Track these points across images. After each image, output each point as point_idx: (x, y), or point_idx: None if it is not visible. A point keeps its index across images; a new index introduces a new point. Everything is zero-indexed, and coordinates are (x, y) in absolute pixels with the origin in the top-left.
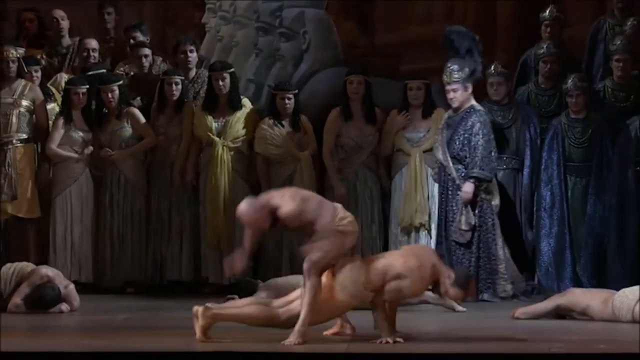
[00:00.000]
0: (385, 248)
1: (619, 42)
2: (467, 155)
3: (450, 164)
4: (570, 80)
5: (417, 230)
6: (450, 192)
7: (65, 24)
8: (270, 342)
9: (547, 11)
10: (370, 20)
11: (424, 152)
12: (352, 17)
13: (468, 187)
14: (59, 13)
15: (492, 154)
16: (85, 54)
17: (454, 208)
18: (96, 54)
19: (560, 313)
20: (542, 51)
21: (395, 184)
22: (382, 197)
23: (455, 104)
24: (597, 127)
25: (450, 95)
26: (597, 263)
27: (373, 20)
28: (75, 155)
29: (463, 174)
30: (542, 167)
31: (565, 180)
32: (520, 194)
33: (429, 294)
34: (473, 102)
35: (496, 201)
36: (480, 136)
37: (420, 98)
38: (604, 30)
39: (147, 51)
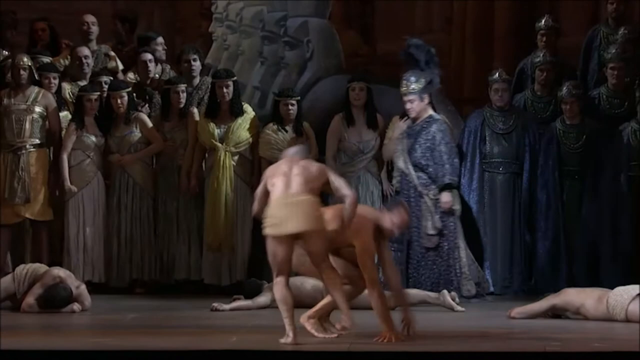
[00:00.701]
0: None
1: (613, 51)
2: (429, 164)
3: (412, 172)
4: (565, 88)
5: None
6: (412, 200)
7: (95, 29)
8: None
9: (543, 21)
10: (371, 29)
11: None
12: (354, 26)
13: (447, 197)
14: (90, 18)
15: (456, 160)
16: (78, 62)
17: (418, 214)
18: (89, 61)
19: (556, 312)
20: (538, 59)
21: (397, 188)
22: (383, 200)
23: (412, 114)
24: (591, 133)
25: (408, 105)
26: (591, 264)
27: (374, 29)
28: (68, 184)
29: (424, 182)
30: (539, 171)
31: (561, 184)
32: (519, 197)
33: (429, 294)
34: (431, 111)
35: (457, 206)
36: (443, 145)
37: None
38: (598, 39)
39: (150, 56)
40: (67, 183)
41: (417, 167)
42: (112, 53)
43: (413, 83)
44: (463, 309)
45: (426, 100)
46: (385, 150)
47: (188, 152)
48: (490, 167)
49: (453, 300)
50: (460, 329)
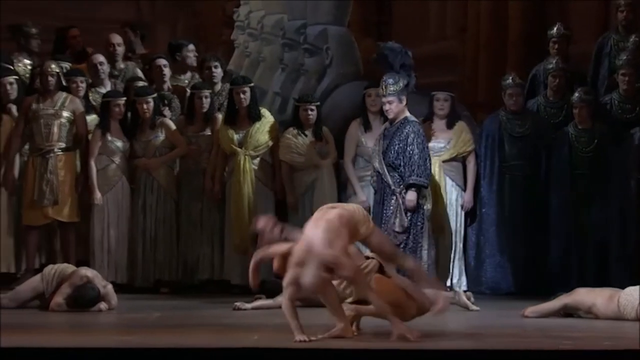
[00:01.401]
0: None
1: (624, 58)
2: (402, 164)
3: (386, 172)
4: (576, 93)
5: (435, 234)
6: (385, 197)
7: (120, 49)
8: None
9: (555, 29)
10: (388, 37)
11: (443, 162)
12: (372, 34)
13: (411, 196)
14: (117, 39)
15: (427, 161)
16: (93, 68)
17: (389, 212)
18: (105, 68)
19: (568, 312)
20: (550, 66)
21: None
22: None
23: (390, 115)
24: (602, 137)
25: (386, 107)
26: (602, 266)
27: (391, 37)
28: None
29: (398, 181)
30: (552, 174)
31: (573, 187)
32: (534, 198)
33: (445, 293)
34: (407, 113)
35: (428, 205)
36: (415, 146)
37: (445, 109)
38: (609, 46)
39: (164, 62)
40: (97, 192)
41: (391, 167)
42: (139, 73)
43: (391, 85)
44: (478, 308)
45: (404, 102)
46: None
47: (212, 157)
48: (508, 169)
49: (468, 299)
50: (475, 327)
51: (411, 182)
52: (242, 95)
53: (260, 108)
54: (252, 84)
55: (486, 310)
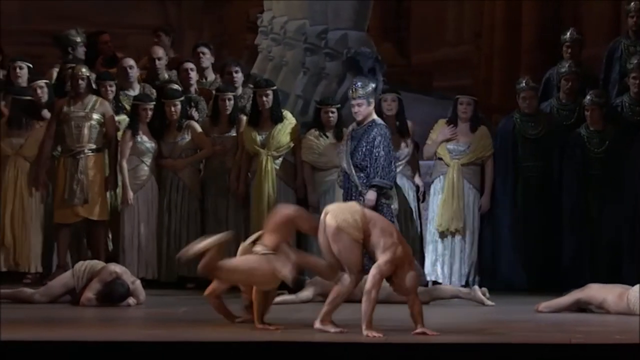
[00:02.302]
0: (422, 247)
1: (635, 62)
2: (369, 165)
3: (354, 172)
4: (588, 96)
5: (453, 235)
6: (353, 197)
7: (133, 72)
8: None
9: (568, 33)
10: (406, 42)
11: (462, 165)
12: (390, 39)
13: (371, 195)
14: (129, 62)
15: (392, 164)
16: (123, 72)
17: None
18: (133, 72)
19: (580, 307)
20: (563, 70)
21: (435, 189)
22: (418, 200)
23: (359, 117)
24: (613, 139)
25: (355, 109)
26: (613, 264)
27: (409, 41)
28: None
29: (364, 181)
30: (565, 174)
31: (585, 187)
32: (548, 198)
33: (461, 289)
34: (374, 116)
35: (395, 205)
36: (381, 148)
37: (468, 112)
38: (620, 50)
39: (191, 65)
40: (129, 192)
41: (358, 167)
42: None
43: (360, 88)
44: (493, 303)
45: (372, 105)
46: (425, 150)
47: (237, 157)
48: (522, 170)
49: (483, 295)
50: (490, 321)
51: (374, 183)
52: (264, 98)
53: (282, 110)
54: (274, 87)
55: (501, 305)
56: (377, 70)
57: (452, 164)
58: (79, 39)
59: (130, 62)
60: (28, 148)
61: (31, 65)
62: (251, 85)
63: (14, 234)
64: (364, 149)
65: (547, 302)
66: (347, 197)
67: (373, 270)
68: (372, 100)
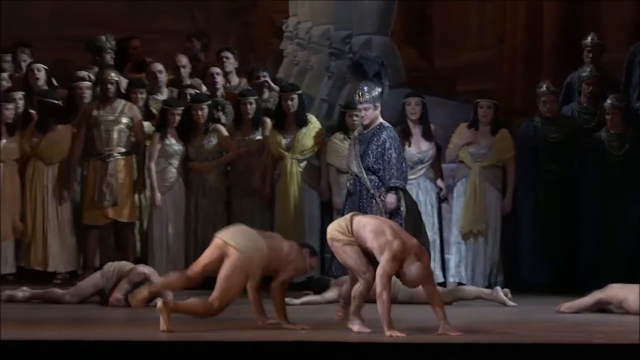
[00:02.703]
0: (442, 248)
1: None
2: (381, 168)
3: (365, 175)
4: (608, 100)
5: (475, 236)
6: (365, 200)
7: (162, 76)
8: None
9: (589, 38)
10: (429, 46)
11: (484, 167)
12: (414, 43)
13: (391, 198)
14: (157, 67)
15: (403, 165)
16: (152, 76)
17: (369, 213)
18: (162, 76)
19: (601, 307)
20: (584, 74)
21: (457, 192)
22: (440, 201)
23: (365, 122)
24: (633, 142)
25: (362, 113)
26: (632, 266)
27: (432, 46)
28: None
29: (376, 184)
30: (585, 177)
31: (605, 189)
32: (567, 200)
33: (483, 290)
34: (381, 119)
35: (403, 207)
36: (393, 150)
37: (489, 116)
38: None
39: (218, 70)
40: (157, 193)
41: (370, 170)
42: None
43: (367, 93)
44: (515, 304)
45: (379, 109)
46: (447, 154)
47: (262, 159)
48: (543, 172)
49: (505, 296)
50: (512, 322)
51: (392, 185)
52: (290, 102)
53: (307, 114)
54: (299, 91)
55: (522, 306)
56: (382, 75)
57: (474, 167)
58: (109, 45)
59: (160, 66)
60: (44, 149)
61: (47, 68)
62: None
63: (35, 234)
64: (375, 152)
65: (568, 302)
66: (359, 200)
67: (378, 272)
68: (378, 105)
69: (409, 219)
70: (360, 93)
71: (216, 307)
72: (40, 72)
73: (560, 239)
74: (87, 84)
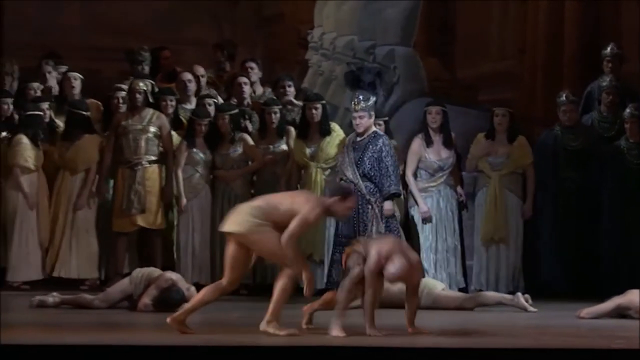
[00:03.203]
0: (464, 255)
1: None
2: (378, 175)
3: (360, 182)
4: (628, 109)
5: (497, 243)
6: (360, 206)
7: (192, 85)
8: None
9: (609, 49)
10: (451, 57)
11: (503, 175)
12: (436, 54)
13: (389, 205)
14: (187, 76)
15: (398, 171)
16: (182, 85)
17: (365, 219)
18: (192, 85)
19: (621, 312)
20: (604, 84)
21: (478, 200)
22: (460, 208)
23: (360, 129)
24: None
25: (357, 121)
26: None
27: (454, 56)
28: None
29: (372, 190)
30: (605, 184)
31: (624, 196)
32: (587, 207)
33: (504, 296)
34: (374, 127)
35: (397, 212)
36: (389, 158)
37: (504, 124)
38: None
39: (245, 79)
40: (184, 200)
41: (365, 177)
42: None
43: (362, 101)
44: (535, 309)
45: (373, 118)
46: (467, 164)
47: (287, 167)
48: (563, 180)
49: (526, 301)
50: (532, 327)
51: (392, 191)
52: (314, 111)
53: (331, 123)
54: (323, 101)
55: (543, 311)
56: (377, 85)
57: (493, 176)
58: (145, 56)
59: (189, 76)
60: (70, 158)
61: (83, 78)
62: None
63: (64, 242)
64: (371, 159)
65: (588, 308)
66: (360, 205)
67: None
68: (372, 113)
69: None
70: (356, 101)
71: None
72: (77, 80)
73: (581, 245)
74: (124, 93)
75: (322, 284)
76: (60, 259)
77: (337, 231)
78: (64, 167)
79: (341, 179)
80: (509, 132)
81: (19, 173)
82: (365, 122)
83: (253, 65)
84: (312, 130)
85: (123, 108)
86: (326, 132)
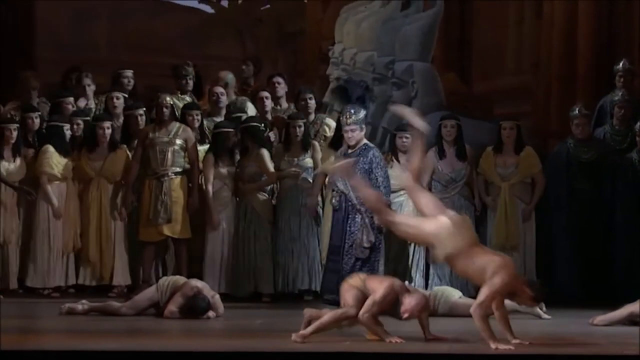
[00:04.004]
0: None
1: None
2: (370, 185)
3: (351, 192)
4: (639, 123)
5: (509, 251)
6: (349, 215)
7: (224, 99)
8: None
9: (621, 64)
10: (468, 71)
11: (513, 184)
12: (454, 68)
13: None
14: (219, 90)
15: (388, 181)
16: (214, 97)
17: (354, 229)
18: (224, 99)
19: (633, 319)
20: (617, 98)
21: (490, 211)
22: (476, 218)
23: (352, 142)
24: None
25: (349, 134)
26: None
27: (471, 71)
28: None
29: (361, 200)
30: (618, 195)
31: (637, 207)
32: (599, 217)
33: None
34: (365, 140)
35: None
36: (379, 170)
37: (512, 136)
38: None
39: (266, 94)
40: (216, 216)
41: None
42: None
43: (354, 115)
44: (549, 316)
45: (364, 130)
46: (479, 178)
47: (313, 176)
48: (576, 191)
49: (540, 309)
50: (547, 334)
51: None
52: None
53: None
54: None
55: (557, 318)
56: (365, 99)
57: (503, 186)
58: (189, 71)
59: (221, 89)
60: (108, 170)
61: (127, 95)
62: (321, 113)
63: (100, 250)
64: (361, 171)
65: (601, 315)
66: (343, 217)
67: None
68: (363, 126)
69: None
70: (347, 115)
71: None
72: (119, 99)
73: (594, 254)
74: (141, 111)
75: None
76: (98, 267)
77: (331, 240)
78: (101, 177)
79: (333, 190)
80: (516, 143)
81: (45, 181)
82: (357, 135)
83: (280, 80)
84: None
85: (141, 124)
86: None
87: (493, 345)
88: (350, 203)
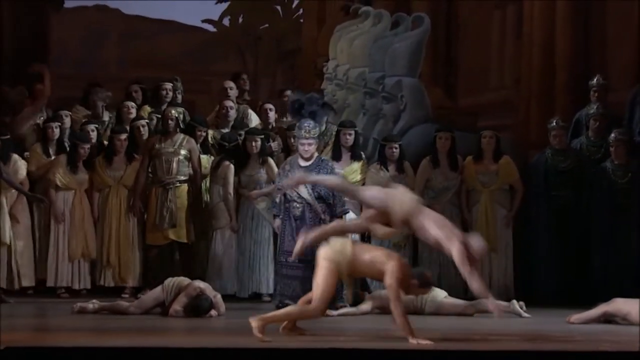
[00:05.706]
0: None
1: None
2: (329, 196)
3: (316, 203)
4: (612, 134)
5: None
6: (310, 224)
7: (232, 113)
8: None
9: (595, 79)
10: (454, 86)
11: (493, 190)
12: (440, 84)
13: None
14: (229, 103)
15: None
16: (224, 110)
17: None
18: (233, 112)
19: (607, 318)
20: (592, 111)
21: (472, 217)
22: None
23: (307, 155)
24: (636, 171)
25: (306, 147)
26: (636, 282)
27: (457, 86)
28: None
29: (324, 210)
30: (593, 202)
31: (611, 214)
32: (576, 223)
33: (501, 302)
34: (316, 153)
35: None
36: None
37: (492, 144)
38: None
39: (270, 106)
40: (234, 221)
41: (321, 198)
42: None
43: (312, 129)
44: (529, 315)
45: (317, 144)
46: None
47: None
48: (554, 198)
49: (521, 308)
50: (526, 332)
51: (347, 210)
52: (347, 137)
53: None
54: (356, 128)
55: (536, 317)
56: (317, 114)
57: (484, 192)
58: (177, 85)
59: (231, 103)
60: (128, 178)
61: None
62: (332, 124)
63: (119, 254)
64: None
65: (577, 314)
66: (304, 225)
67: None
68: (318, 140)
69: None
70: (307, 129)
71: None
72: (133, 109)
73: (572, 256)
74: (144, 122)
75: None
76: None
77: (283, 247)
78: (118, 185)
79: (294, 201)
80: (495, 152)
81: (49, 187)
82: (313, 148)
83: (289, 93)
84: (344, 155)
85: (145, 135)
86: (357, 157)
87: (413, 341)
88: (314, 211)
